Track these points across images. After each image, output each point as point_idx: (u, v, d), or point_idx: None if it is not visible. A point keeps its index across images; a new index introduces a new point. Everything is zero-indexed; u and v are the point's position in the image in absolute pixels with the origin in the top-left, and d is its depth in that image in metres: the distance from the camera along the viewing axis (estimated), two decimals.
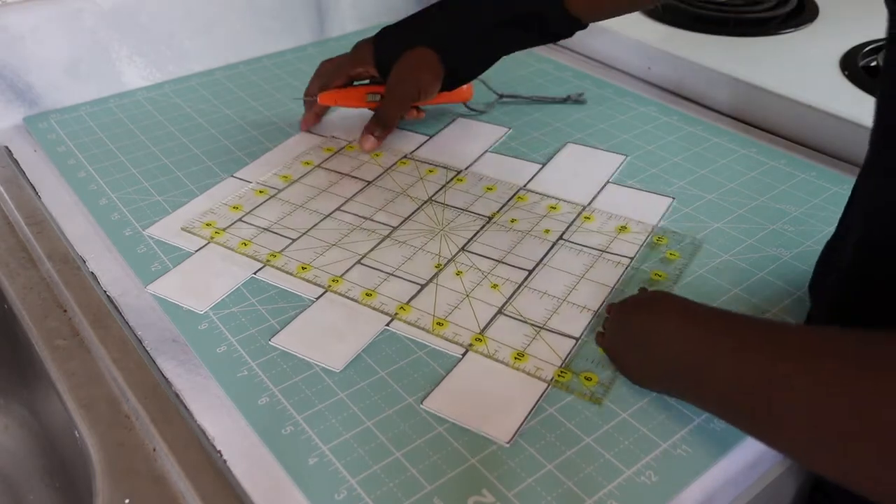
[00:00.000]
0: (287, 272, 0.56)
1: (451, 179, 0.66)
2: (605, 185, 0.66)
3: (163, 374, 0.48)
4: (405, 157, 0.70)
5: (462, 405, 0.46)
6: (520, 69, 0.85)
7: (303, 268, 0.56)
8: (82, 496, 0.50)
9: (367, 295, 0.53)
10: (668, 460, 0.43)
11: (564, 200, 0.63)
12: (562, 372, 0.48)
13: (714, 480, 0.42)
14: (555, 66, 0.86)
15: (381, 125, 0.69)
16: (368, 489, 0.41)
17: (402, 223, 0.61)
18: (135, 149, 0.71)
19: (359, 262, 0.57)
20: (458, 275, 0.56)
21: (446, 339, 0.50)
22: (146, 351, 0.50)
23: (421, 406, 0.46)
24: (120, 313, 0.53)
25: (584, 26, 0.65)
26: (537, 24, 0.65)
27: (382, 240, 0.59)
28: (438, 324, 0.51)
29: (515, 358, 0.49)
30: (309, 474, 0.42)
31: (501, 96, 0.78)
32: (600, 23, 0.73)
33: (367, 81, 0.72)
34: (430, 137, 0.73)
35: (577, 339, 0.50)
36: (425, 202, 0.63)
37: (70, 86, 0.78)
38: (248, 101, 0.79)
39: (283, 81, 0.83)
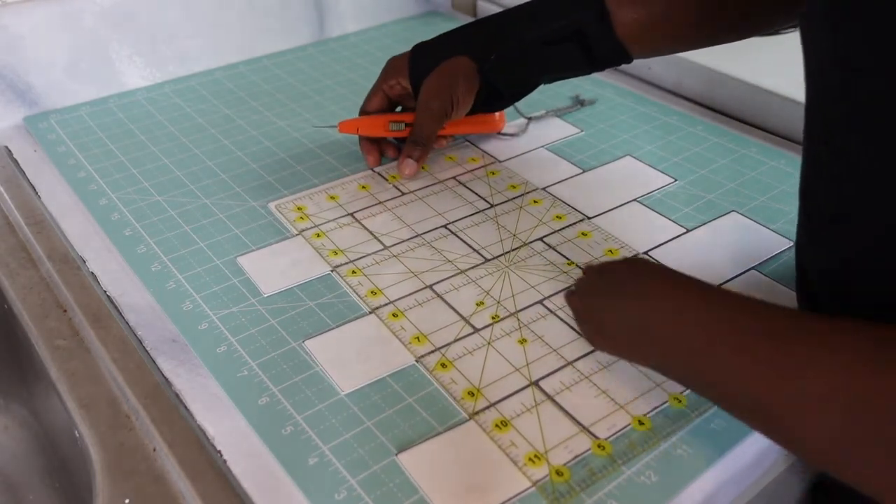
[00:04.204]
0: (344, 277, 0.55)
1: (528, 201, 0.63)
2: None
3: (163, 374, 0.48)
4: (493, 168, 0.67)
5: (439, 467, 0.42)
6: None
7: (353, 272, 0.56)
8: (82, 496, 0.50)
9: (394, 316, 0.52)
10: (668, 460, 0.43)
11: (624, 245, 0.58)
12: (535, 456, 0.43)
13: (714, 480, 0.42)
14: None
15: (420, 144, 0.64)
16: (368, 489, 0.41)
17: (471, 251, 0.58)
18: (135, 149, 0.71)
19: (408, 280, 0.55)
20: (493, 319, 0.52)
21: (442, 386, 0.47)
22: (146, 351, 0.50)
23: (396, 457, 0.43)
24: (120, 313, 0.53)
25: (629, 59, 0.60)
26: (581, 46, 0.60)
27: (442, 263, 0.56)
28: (442, 365, 0.48)
29: (496, 425, 0.44)
30: (309, 474, 0.42)
31: (530, 119, 0.75)
32: None
33: (398, 109, 0.68)
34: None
35: (581, 427, 0.44)
36: (506, 233, 0.59)
37: (70, 86, 0.78)
38: (248, 101, 0.79)
39: (283, 81, 0.83)
